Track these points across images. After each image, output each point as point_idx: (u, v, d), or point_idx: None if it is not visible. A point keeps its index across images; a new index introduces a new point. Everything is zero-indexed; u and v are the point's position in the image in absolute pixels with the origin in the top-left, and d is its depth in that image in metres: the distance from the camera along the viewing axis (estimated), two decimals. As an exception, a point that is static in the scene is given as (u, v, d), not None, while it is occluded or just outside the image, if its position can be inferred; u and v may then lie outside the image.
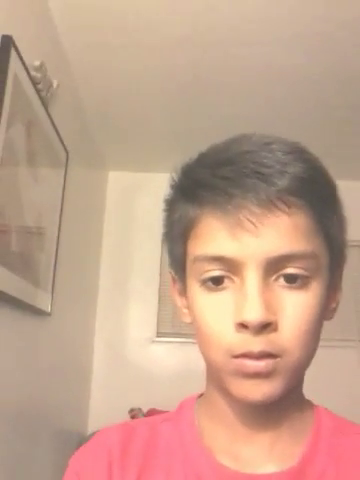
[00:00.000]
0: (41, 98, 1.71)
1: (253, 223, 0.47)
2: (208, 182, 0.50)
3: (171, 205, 0.57)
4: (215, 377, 0.53)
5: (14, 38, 1.41)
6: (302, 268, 0.48)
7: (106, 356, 2.92)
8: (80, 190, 2.48)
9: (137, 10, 1.80)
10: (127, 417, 2.53)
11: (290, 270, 0.48)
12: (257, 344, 0.47)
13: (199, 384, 0.76)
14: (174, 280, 0.60)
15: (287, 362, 0.48)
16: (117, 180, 3.16)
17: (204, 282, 0.51)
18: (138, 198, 3.09)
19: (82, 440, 2.19)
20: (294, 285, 0.48)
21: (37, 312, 1.80)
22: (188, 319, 0.57)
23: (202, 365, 0.56)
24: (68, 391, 2.38)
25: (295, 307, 0.48)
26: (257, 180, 0.48)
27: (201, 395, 0.62)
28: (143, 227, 3.00)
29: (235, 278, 0.49)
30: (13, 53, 1.41)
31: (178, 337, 2.89)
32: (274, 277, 0.49)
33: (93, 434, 0.64)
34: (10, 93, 1.41)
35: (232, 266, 0.49)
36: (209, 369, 0.56)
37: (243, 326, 0.47)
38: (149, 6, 1.79)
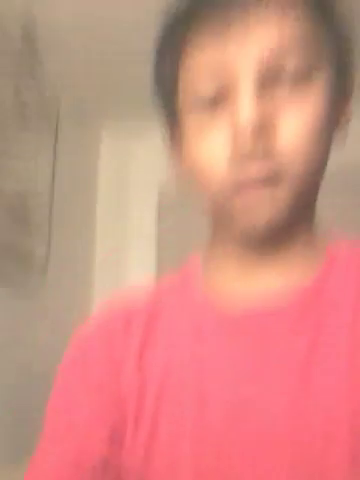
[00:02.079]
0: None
1: (244, 24, 0.46)
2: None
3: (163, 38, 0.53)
4: (218, 216, 0.52)
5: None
6: (300, 62, 0.46)
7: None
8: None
9: None
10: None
11: (287, 67, 0.46)
12: (256, 163, 0.46)
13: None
14: (172, 137, 0.57)
15: (291, 169, 0.46)
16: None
17: (197, 108, 0.49)
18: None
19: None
20: (292, 87, 0.46)
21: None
22: (188, 168, 0.53)
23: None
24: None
25: (294, 113, 0.46)
26: None
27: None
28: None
29: (230, 98, 0.47)
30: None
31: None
32: (269, 84, 0.46)
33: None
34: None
35: (225, 79, 0.47)
36: (213, 212, 0.53)
37: (237, 143, 0.46)
38: None
